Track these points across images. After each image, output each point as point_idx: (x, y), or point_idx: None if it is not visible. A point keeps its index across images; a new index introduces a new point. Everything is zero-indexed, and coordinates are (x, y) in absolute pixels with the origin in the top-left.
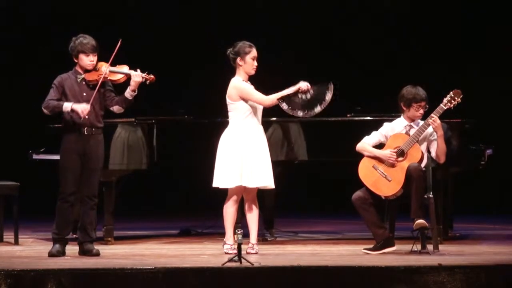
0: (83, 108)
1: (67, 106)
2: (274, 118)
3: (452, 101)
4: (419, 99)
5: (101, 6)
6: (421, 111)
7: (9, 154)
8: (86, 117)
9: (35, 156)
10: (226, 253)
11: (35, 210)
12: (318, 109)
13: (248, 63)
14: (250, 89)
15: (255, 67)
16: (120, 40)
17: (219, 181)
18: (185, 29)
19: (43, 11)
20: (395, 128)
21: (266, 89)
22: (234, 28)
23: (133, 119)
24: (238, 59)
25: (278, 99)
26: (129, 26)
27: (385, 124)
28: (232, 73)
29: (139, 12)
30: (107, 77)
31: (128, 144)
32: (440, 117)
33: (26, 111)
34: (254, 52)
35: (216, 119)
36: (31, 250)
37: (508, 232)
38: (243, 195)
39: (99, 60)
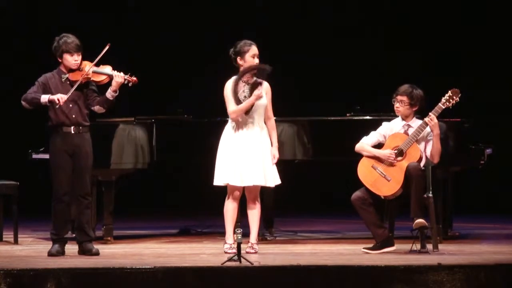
0: (59, 96)
1: (44, 97)
2: (274, 118)
3: (451, 100)
4: (397, 93)
5: (100, 6)
6: (397, 105)
7: (9, 154)
8: (62, 104)
9: (34, 156)
10: (225, 252)
11: (35, 210)
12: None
13: (248, 61)
14: (228, 96)
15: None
16: (108, 45)
17: (215, 178)
18: (185, 28)
19: (43, 11)
20: (393, 128)
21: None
22: (234, 28)
23: (133, 119)
24: (238, 59)
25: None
26: (129, 26)
27: (384, 124)
28: (233, 72)
29: (139, 12)
30: (89, 78)
31: (128, 144)
32: (440, 116)
33: (26, 110)
34: (253, 50)
35: (216, 119)
36: (30, 249)
37: (508, 231)
38: (246, 194)
39: (83, 59)
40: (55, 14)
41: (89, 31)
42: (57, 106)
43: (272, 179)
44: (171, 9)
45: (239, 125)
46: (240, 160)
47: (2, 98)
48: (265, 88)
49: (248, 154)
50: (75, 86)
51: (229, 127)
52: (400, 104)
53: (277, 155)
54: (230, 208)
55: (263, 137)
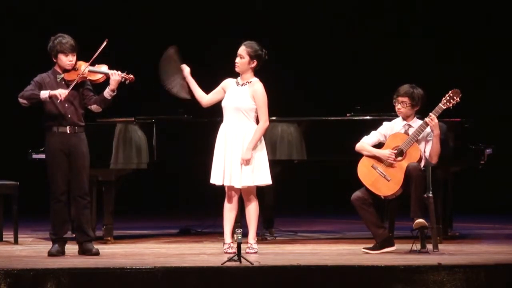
0: (60, 92)
1: (44, 93)
2: (274, 118)
3: (451, 101)
4: (398, 94)
5: (99, 4)
6: (399, 106)
7: (9, 154)
8: (62, 99)
9: (34, 156)
10: (225, 252)
11: (35, 210)
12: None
13: None
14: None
15: (236, 63)
16: (106, 40)
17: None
18: (184, 27)
19: (42, 10)
20: (394, 128)
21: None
22: (234, 27)
23: (133, 119)
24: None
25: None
26: (128, 25)
27: (384, 124)
28: (231, 73)
29: (139, 11)
30: (85, 77)
31: (128, 144)
32: (440, 116)
33: (26, 110)
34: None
35: (216, 119)
36: (30, 249)
37: (507, 231)
38: (242, 194)
39: (79, 59)
40: (54, 13)
41: (86, 30)
42: (58, 101)
43: (250, 179)
44: (171, 8)
45: (224, 126)
46: (221, 160)
47: (2, 98)
48: (251, 92)
49: (227, 154)
50: (72, 85)
51: (221, 126)
52: (402, 105)
53: (246, 157)
54: (225, 208)
55: (246, 139)
